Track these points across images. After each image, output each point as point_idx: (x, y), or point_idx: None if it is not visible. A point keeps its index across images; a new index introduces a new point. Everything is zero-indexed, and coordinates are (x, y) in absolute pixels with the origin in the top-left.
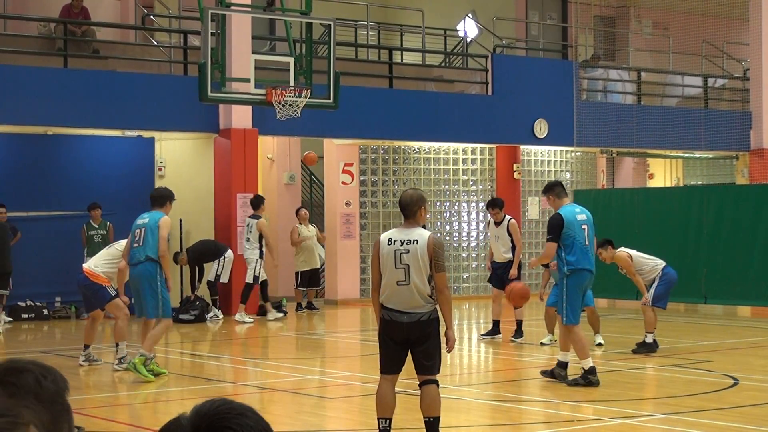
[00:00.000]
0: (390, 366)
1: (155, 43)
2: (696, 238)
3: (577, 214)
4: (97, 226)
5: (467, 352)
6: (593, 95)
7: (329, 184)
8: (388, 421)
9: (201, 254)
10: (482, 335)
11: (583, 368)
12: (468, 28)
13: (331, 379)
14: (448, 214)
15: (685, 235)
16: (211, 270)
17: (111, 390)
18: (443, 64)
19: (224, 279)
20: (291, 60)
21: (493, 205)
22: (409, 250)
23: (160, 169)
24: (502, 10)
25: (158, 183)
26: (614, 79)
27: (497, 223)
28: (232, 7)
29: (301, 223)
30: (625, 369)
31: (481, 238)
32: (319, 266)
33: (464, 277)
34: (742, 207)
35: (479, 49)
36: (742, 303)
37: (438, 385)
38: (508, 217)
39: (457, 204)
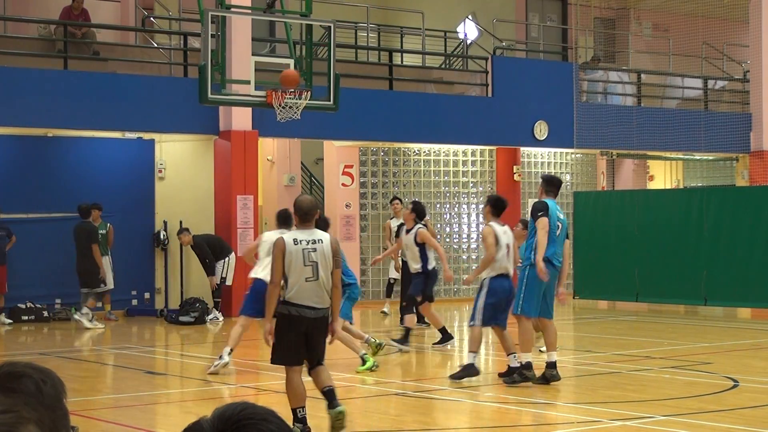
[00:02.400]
0: (298, 358)
1: (155, 45)
2: (696, 240)
3: (558, 211)
4: (97, 227)
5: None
6: (593, 97)
7: (329, 186)
8: (304, 409)
9: (208, 244)
10: (434, 344)
11: (521, 362)
12: (468, 30)
13: None
14: (447, 216)
15: (686, 236)
16: (216, 272)
17: (112, 392)
18: (443, 66)
19: (229, 281)
20: (291, 62)
21: (413, 209)
22: (316, 248)
23: (160, 171)
24: (501, 12)
25: (158, 185)
26: (614, 81)
27: (408, 231)
28: (232, 9)
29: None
30: (625, 371)
31: (481, 239)
32: None
33: (464, 279)
34: (742, 209)
35: (479, 51)
36: (743, 305)
37: None
38: (418, 225)
39: (456, 206)
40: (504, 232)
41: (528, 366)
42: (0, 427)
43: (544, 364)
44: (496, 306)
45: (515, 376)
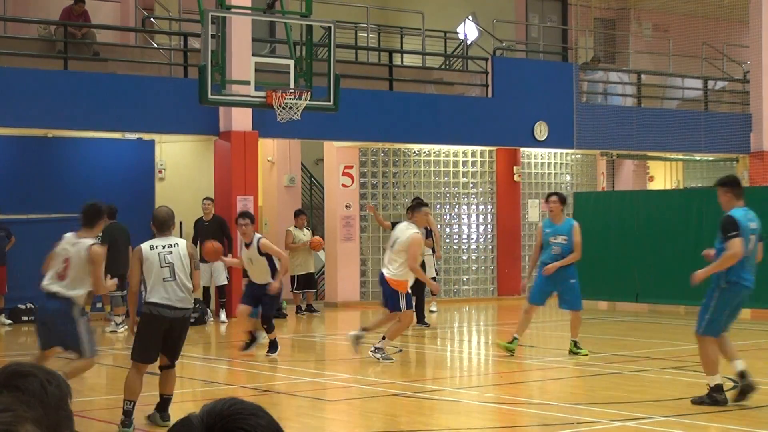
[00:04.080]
0: (152, 356)
1: (155, 46)
2: (696, 241)
3: (749, 220)
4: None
5: (467, 354)
6: (593, 98)
7: (329, 187)
8: (134, 403)
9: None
10: (242, 350)
11: (708, 385)
12: (468, 31)
13: (331, 381)
14: (448, 217)
15: (685, 237)
16: (221, 274)
17: (111, 392)
18: (443, 67)
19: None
20: (291, 62)
21: (243, 215)
22: (171, 251)
23: (160, 172)
24: (501, 12)
25: (158, 185)
26: (614, 82)
27: (247, 245)
28: (232, 10)
29: (297, 227)
30: (626, 372)
31: (482, 240)
32: (314, 270)
33: (464, 279)
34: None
35: (479, 51)
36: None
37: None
38: (257, 236)
39: (457, 207)
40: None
41: (718, 389)
42: None
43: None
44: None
45: (705, 398)
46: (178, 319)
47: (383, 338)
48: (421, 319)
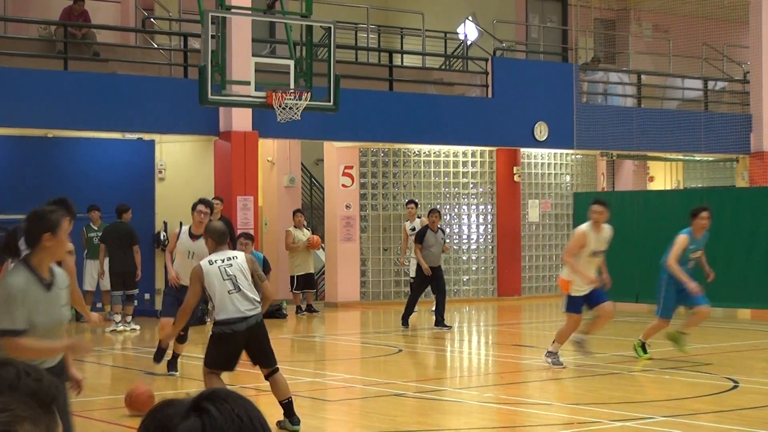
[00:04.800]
0: (231, 366)
1: (155, 46)
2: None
3: None
4: (96, 228)
5: (467, 354)
6: (593, 98)
7: (329, 187)
8: None
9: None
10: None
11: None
12: (468, 31)
13: (332, 381)
14: (448, 217)
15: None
16: None
17: (111, 392)
18: (443, 67)
19: None
20: (291, 63)
21: (204, 203)
22: (231, 264)
23: (160, 172)
24: (502, 13)
25: (158, 185)
26: (614, 82)
27: (195, 237)
28: (232, 10)
29: (296, 227)
30: (626, 372)
31: (482, 240)
32: (313, 270)
33: (464, 279)
34: (742, 210)
35: (479, 51)
36: (743, 306)
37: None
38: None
39: (457, 207)
40: None
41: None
42: None
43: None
44: None
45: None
46: (253, 327)
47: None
48: (439, 322)
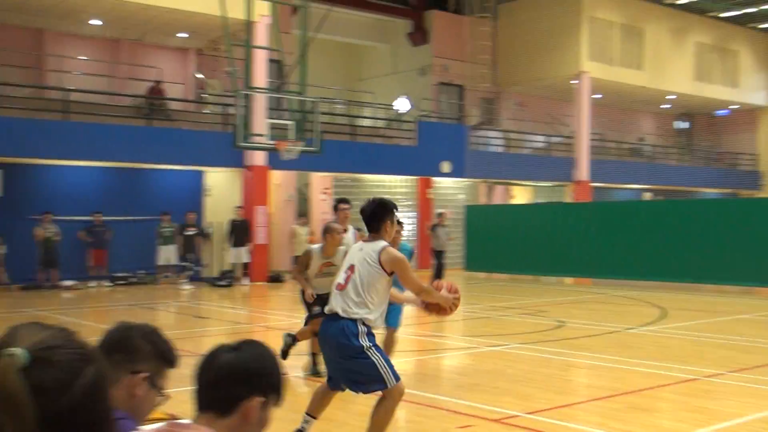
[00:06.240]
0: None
1: (207, 111)
2: (548, 235)
3: None
4: (167, 226)
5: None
6: (478, 147)
7: (314, 201)
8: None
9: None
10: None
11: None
12: (402, 104)
13: None
14: None
15: (546, 234)
16: (245, 255)
17: None
18: (386, 126)
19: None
20: (292, 123)
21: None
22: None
23: (207, 191)
24: (423, 92)
25: (206, 200)
26: (492, 137)
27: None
28: (256, 90)
29: (299, 225)
30: (495, 317)
31: (410, 238)
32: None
33: None
34: (570, 217)
35: (409, 117)
36: (570, 275)
37: None
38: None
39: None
40: None
41: None
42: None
43: None
44: None
45: None
46: None
47: None
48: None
